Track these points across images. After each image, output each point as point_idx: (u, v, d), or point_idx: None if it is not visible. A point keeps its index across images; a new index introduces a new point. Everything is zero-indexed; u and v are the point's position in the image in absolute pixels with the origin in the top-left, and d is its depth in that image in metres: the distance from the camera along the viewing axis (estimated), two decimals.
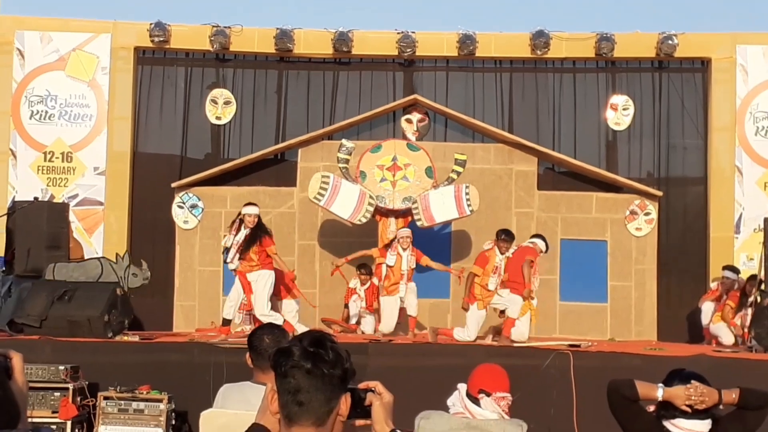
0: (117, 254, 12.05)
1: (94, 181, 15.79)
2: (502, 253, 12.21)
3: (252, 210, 11.98)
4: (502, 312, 12.29)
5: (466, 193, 13.66)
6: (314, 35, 16.04)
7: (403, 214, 13.81)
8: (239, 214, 12.04)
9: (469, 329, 12.04)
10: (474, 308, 12.11)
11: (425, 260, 13.23)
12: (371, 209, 13.71)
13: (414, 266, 13.19)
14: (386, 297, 13.07)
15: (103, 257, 12.59)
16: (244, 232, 11.86)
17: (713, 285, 14.23)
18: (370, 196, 13.75)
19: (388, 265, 13.09)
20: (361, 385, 2.85)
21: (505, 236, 12.32)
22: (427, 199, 13.72)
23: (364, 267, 13.60)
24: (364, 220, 13.66)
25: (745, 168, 15.68)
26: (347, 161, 13.87)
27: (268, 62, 16.36)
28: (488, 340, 12.38)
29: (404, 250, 13.06)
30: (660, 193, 15.19)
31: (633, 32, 16.18)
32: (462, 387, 5.30)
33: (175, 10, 30.87)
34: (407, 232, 13.25)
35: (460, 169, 13.88)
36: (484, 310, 12.16)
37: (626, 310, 14.84)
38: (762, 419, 4.53)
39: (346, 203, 13.57)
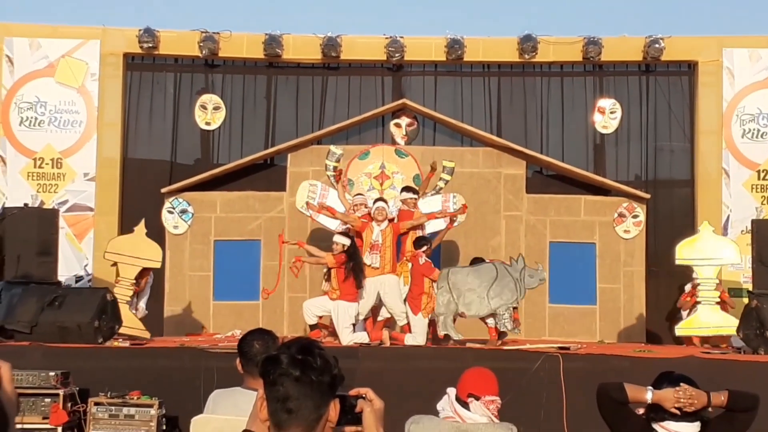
0: (511, 257, 11.72)
1: (84, 187, 15.79)
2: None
3: (338, 239, 11.99)
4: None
5: (454, 204, 13.56)
6: (303, 40, 16.06)
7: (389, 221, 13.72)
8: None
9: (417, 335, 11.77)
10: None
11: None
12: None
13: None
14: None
15: (497, 261, 11.92)
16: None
17: (688, 287, 14.03)
18: None
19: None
20: (352, 392, 2.87)
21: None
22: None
23: None
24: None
25: (732, 170, 15.75)
26: (335, 168, 13.83)
27: (257, 68, 16.39)
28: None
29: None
30: (648, 196, 15.24)
31: (620, 36, 16.26)
32: (451, 391, 5.29)
33: (164, 16, 30.99)
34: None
35: (448, 177, 13.77)
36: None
37: (615, 312, 14.88)
38: (750, 421, 4.57)
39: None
